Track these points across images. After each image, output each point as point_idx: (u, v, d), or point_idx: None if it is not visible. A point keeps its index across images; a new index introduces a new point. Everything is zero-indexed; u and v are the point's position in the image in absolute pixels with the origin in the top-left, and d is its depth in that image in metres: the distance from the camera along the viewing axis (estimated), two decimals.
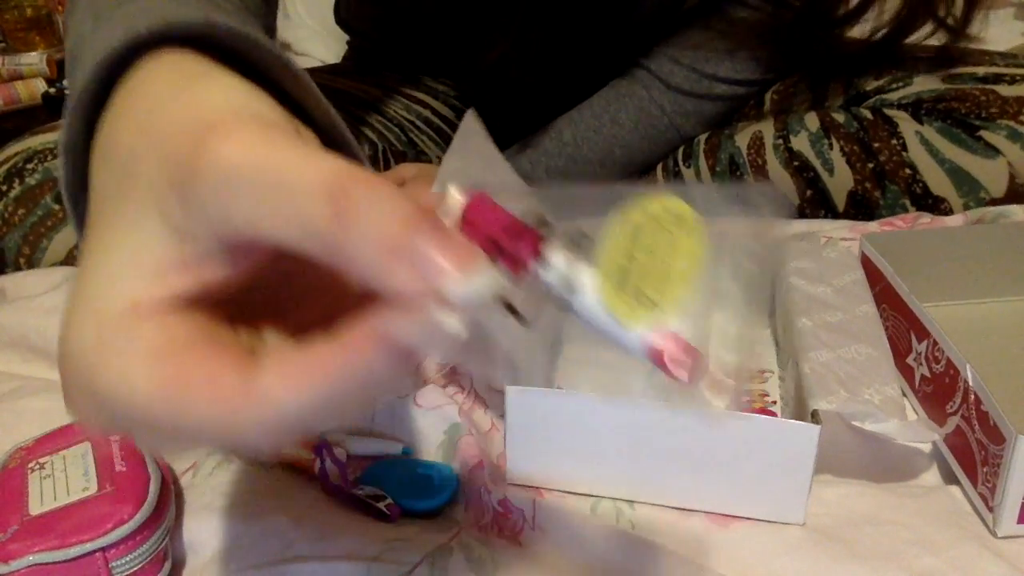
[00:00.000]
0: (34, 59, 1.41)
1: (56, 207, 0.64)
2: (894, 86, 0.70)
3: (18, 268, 0.65)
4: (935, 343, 0.46)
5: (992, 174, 0.66)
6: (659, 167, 0.81)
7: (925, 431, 0.42)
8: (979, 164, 0.66)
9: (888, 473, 0.45)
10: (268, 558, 0.38)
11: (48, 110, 1.28)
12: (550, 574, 0.39)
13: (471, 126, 0.52)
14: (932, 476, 0.45)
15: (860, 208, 0.71)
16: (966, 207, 0.67)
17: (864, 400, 0.43)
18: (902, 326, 0.50)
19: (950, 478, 0.45)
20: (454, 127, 0.91)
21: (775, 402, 0.50)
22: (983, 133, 0.66)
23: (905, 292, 0.50)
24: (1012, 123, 0.65)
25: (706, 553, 0.41)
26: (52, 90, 1.29)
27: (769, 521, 0.42)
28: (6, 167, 0.65)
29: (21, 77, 1.38)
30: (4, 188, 0.64)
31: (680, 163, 0.79)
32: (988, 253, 0.57)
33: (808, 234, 0.66)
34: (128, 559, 0.37)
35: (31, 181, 0.64)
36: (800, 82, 0.75)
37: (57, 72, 1.41)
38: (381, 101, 0.89)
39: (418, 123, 0.89)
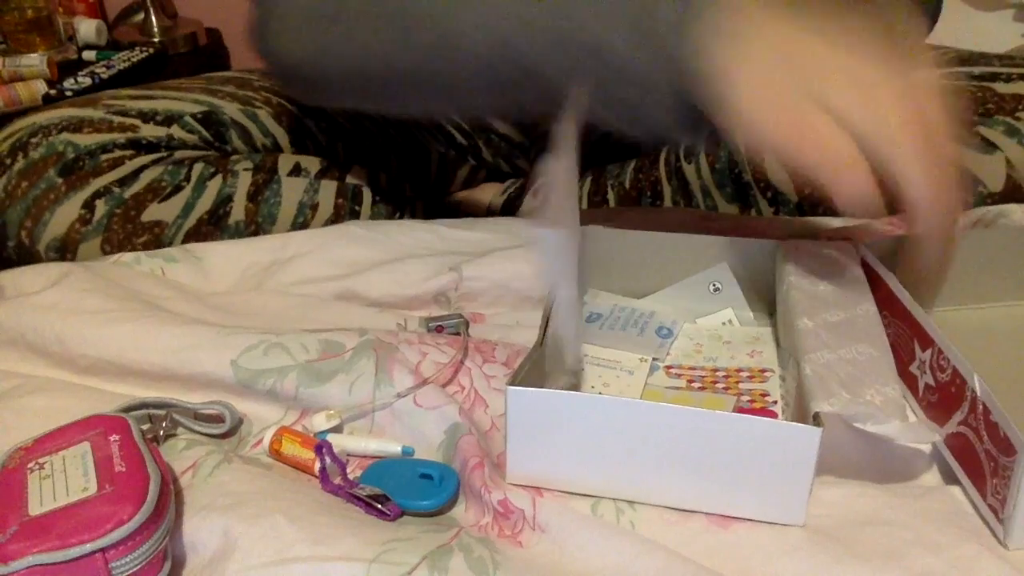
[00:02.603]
0: (35, 60, 1.41)
1: (59, 181, 0.63)
2: None
3: (20, 241, 0.64)
4: (940, 351, 0.45)
5: (990, 169, 0.66)
6: (661, 163, 0.81)
7: (926, 432, 0.42)
8: (977, 160, 0.66)
9: (889, 474, 0.45)
10: (268, 558, 0.38)
11: None
12: (550, 574, 0.39)
13: (566, 142, 0.43)
14: (932, 476, 0.45)
15: None
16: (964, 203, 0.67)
17: (865, 401, 0.43)
18: (904, 334, 0.50)
19: (950, 478, 0.45)
20: (452, 123, 0.90)
21: (776, 402, 0.50)
22: (980, 129, 0.66)
23: (908, 300, 0.49)
24: (1009, 119, 0.65)
25: (706, 554, 0.41)
26: (53, 91, 1.28)
27: (770, 522, 0.42)
28: (10, 141, 0.65)
29: (21, 78, 1.38)
30: (8, 162, 0.64)
31: (682, 159, 0.79)
32: (989, 257, 0.57)
33: (808, 228, 0.66)
34: (128, 559, 0.37)
35: (35, 155, 0.64)
36: None
37: (58, 73, 1.41)
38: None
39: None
